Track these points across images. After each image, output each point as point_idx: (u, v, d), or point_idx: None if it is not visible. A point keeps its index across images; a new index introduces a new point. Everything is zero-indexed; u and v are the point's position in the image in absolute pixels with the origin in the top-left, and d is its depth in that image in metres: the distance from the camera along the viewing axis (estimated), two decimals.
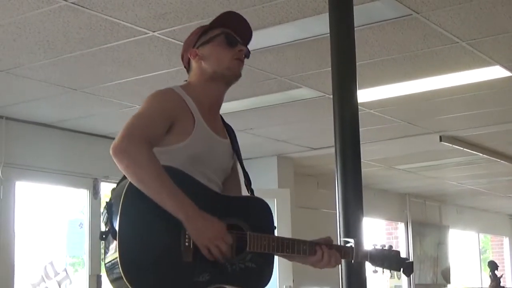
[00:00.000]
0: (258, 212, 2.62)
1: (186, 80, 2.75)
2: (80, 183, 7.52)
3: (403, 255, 2.80)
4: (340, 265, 3.43)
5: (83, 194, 7.71)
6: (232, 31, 2.73)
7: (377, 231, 13.21)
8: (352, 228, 3.44)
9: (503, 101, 7.02)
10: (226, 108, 7.41)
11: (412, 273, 2.82)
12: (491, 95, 6.76)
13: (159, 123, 2.49)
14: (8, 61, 5.43)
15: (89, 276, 7.58)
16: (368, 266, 2.79)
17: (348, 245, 2.71)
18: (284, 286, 8.76)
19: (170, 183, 2.35)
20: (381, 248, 2.76)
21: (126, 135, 2.38)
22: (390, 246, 2.78)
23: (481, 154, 9.29)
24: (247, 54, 2.76)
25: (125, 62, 5.47)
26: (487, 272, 13.10)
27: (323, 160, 9.35)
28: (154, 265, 2.33)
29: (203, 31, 2.72)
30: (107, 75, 5.80)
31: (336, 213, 3.53)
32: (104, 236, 2.39)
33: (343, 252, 2.68)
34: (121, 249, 2.31)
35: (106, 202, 2.44)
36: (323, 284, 9.71)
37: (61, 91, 6.22)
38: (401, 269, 2.79)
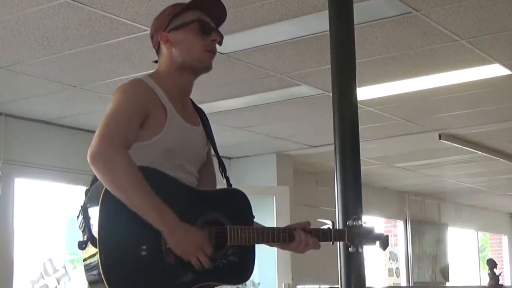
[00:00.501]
0: (236, 204, 2.57)
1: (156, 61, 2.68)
2: (79, 180, 7.50)
3: (378, 230, 2.79)
4: (338, 262, 3.44)
5: (82, 191, 7.69)
6: (206, 14, 2.62)
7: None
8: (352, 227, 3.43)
9: (502, 99, 7.03)
10: (225, 105, 7.44)
11: (387, 246, 2.80)
12: (491, 93, 6.76)
13: (133, 121, 2.43)
14: (7, 58, 5.43)
15: None
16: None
17: (325, 227, 2.69)
18: (283, 284, 8.76)
19: (150, 194, 2.30)
20: (355, 224, 2.73)
21: (102, 140, 2.33)
22: (364, 222, 2.76)
23: (480, 152, 9.30)
24: (220, 41, 2.66)
25: (125, 59, 5.47)
26: (486, 270, 13.11)
27: (322, 158, 9.36)
28: (137, 270, 2.31)
29: (176, 13, 2.60)
30: (107, 72, 5.80)
31: (335, 210, 3.53)
32: (84, 245, 2.33)
33: (322, 235, 2.65)
34: (103, 255, 2.25)
35: (81, 206, 2.39)
36: (322, 281, 9.72)
37: (60, 88, 6.22)
38: (377, 243, 2.77)
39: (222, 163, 2.76)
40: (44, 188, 8.01)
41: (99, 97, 6.45)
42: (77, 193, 7.91)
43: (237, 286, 2.56)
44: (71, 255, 8.68)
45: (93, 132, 2.42)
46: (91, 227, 2.32)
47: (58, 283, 7.73)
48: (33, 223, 8.17)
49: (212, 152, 2.77)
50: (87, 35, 4.95)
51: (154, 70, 2.67)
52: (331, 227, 2.68)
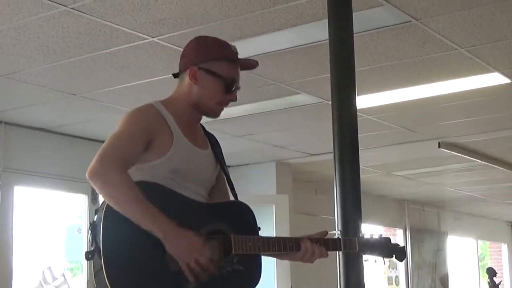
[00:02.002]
0: (241, 216, 2.63)
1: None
2: (79, 188, 7.50)
3: (394, 241, 2.82)
4: (338, 269, 3.45)
5: (82, 199, 7.70)
6: (238, 68, 2.71)
7: None
8: (350, 234, 3.43)
9: (502, 108, 7.03)
10: (225, 113, 7.39)
11: (405, 258, 2.85)
12: (490, 102, 6.76)
13: (136, 142, 2.51)
14: (7, 66, 5.43)
15: (87, 281, 7.56)
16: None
17: (335, 236, 2.75)
18: None
19: (144, 203, 2.37)
20: (370, 237, 2.78)
21: (100, 158, 2.41)
22: (380, 235, 2.79)
23: (480, 161, 9.30)
24: (239, 88, 2.76)
25: (124, 67, 5.48)
26: (485, 278, 13.10)
27: (321, 166, 9.35)
28: (140, 278, 2.36)
29: (213, 57, 2.65)
30: (106, 80, 5.80)
31: (335, 219, 3.53)
32: (90, 256, 2.40)
33: (331, 244, 2.70)
34: (106, 265, 2.33)
35: (90, 223, 2.46)
36: (322, 286, 9.70)
37: (60, 96, 6.22)
38: (393, 255, 2.81)
39: (230, 180, 2.80)
40: (44, 196, 8.00)
41: (99, 105, 6.45)
42: (77, 201, 7.90)
43: None
44: (70, 263, 8.66)
45: (93, 140, 2.47)
46: (98, 240, 2.38)
47: None
48: (32, 231, 8.16)
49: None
50: (87, 44, 4.96)
51: (169, 96, 2.73)
52: (339, 236, 2.74)
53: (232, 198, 2.81)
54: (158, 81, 5.73)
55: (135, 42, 4.93)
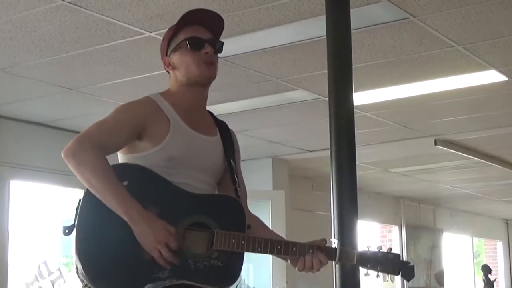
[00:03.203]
0: (228, 211, 2.56)
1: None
2: (75, 182, 7.38)
3: (403, 258, 2.65)
4: (333, 264, 3.44)
5: (78, 194, 7.69)
6: (201, 26, 2.68)
7: (371, 234, 13.22)
8: (346, 230, 3.44)
9: (498, 105, 7.04)
10: (222, 109, 7.42)
11: (413, 277, 2.69)
12: (487, 99, 6.77)
13: (119, 131, 2.50)
14: (4, 60, 5.43)
15: None
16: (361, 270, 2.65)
17: (333, 246, 2.63)
18: None
19: (115, 185, 2.37)
20: (377, 250, 2.63)
21: (77, 139, 2.43)
22: (389, 249, 2.66)
23: (476, 158, 9.31)
24: (220, 48, 2.72)
25: (122, 62, 5.47)
26: (480, 276, 13.13)
27: (318, 163, 9.36)
28: (111, 262, 2.36)
29: (170, 36, 2.69)
30: (103, 75, 5.80)
31: (331, 215, 3.53)
32: (66, 231, 2.40)
33: (326, 252, 2.59)
34: (78, 246, 2.35)
35: (79, 200, 2.46)
36: (317, 286, 9.71)
37: (57, 90, 6.21)
38: (400, 273, 2.67)
39: (233, 175, 2.73)
40: (40, 191, 8.00)
41: (96, 100, 6.45)
42: (73, 195, 7.90)
43: None
44: (66, 258, 8.66)
45: None
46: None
47: (53, 286, 7.71)
48: (28, 226, 8.15)
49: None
50: (84, 38, 4.95)
51: (167, 89, 2.75)
52: (336, 246, 2.62)
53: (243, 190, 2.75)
54: (155, 76, 5.73)
55: (132, 37, 4.92)
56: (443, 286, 13.92)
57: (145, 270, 2.37)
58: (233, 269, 2.51)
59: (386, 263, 2.64)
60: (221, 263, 2.47)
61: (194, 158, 2.57)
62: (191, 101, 2.68)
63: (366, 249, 2.64)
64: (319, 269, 2.60)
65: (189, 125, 2.60)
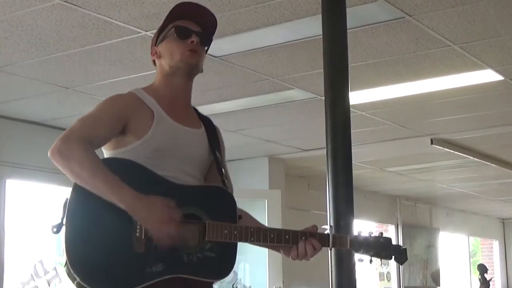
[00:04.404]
0: (219, 201, 2.55)
1: None
2: (71, 182, 7.48)
3: (394, 242, 2.65)
4: (329, 265, 3.44)
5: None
6: (192, 21, 2.68)
7: None
8: (342, 230, 3.44)
9: (494, 105, 7.04)
10: (217, 108, 7.43)
11: (406, 260, 2.66)
12: (483, 99, 6.78)
13: (102, 124, 2.49)
14: None
15: None
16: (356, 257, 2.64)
17: (326, 232, 2.62)
18: (274, 287, 8.76)
19: (106, 175, 2.33)
20: (367, 235, 2.63)
21: (61, 137, 2.41)
22: (381, 233, 2.65)
23: (472, 157, 9.32)
24: (206, 41, 2.71)
25: (117, 61, 5.47)
26: (476, 275, 13.15)
27: (314, 162, 9.36)
28: (102, 257, 2.32)
29: (160, 28, 2.71)
30: (99, 74, 5.79)
31: (327, 214, 3.53)
32: (55, 229, 2.36)
33: (319, 239, 2.59)
34: (68, 240, 2.31)
35: (65, 199, 2.43)
36: (313, 285, 9.73)
37: (53, 89, 6.21)
38: (393, 257, 2.66)
39: (220, 167, 2.71)
40: (36, 190, 7.99)
41: (92, 99, 6.44)
42: (69, 194, 7.87)
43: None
44: (62, 257, 8.65)
45: None
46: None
47: (49, 285, 7.71)
48: (24, 225, 8.15)
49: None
50: (80, 37, 4.95)
51: (151, 83, 2.74)
52: (329, 232, 2.62)
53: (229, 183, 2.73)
54: (151, 75, 5.67)
55: (128, 36, 4.92)
56: (439, 285, 13.94)
57: (138, 264, 2.34)
58: (227, 260, 2.50)
59: (378, 247, 2.63)
60: (214, 254, 2.45)
61: (179, 150, 2.55)
62: (175, 92, 2.66)
63: (357, 234, 2.64)
64: (312, 256, 2.59)
65: (172, 118, 2.58)
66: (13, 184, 7.28)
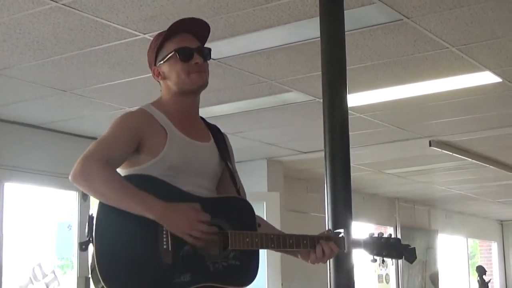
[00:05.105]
0: (239, 211, 2.63)
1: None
2: (70, 185, 7.40)
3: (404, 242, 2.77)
4: (328, 266, 3.44)
5: (72, 196, 7.68)
6: (189, 33, 2.72)
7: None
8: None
9: (492, 107, 7.05)
10: (216, 111, 7.43)
11: (415, 259, 2.79)
12: (481, 101, 6.78)
13: (120, 143, 2.52)
14: None
15: (78, 278, 7.55)
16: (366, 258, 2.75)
17: (340, 235, 2.70)
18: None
19: (131, 189, 2.40)
20: (378, 236, 2.75)
21: (80, 160, 2.43)
22: (390, 235, 2.77)
23: (470, 159, 9.32)
24: (208, 55, 2.74)
25: (116, 64, 5.46)
26: (475, 277, 13.15)
27: (313, 164, 9.36)
28: (132, 270, 2.38)
29: (158, 46, 2.72)
30: (97, 77, 5.79)
31: (326, 217, 3.53)
32: (83, 246, 2.41)
33: (335, 241, 2.68)
34: (98, 258, 2.36)
35: (89, 216, 2.46)
36: (312, 286, 9.71)
37: (51, 92, 6.20)
38: (403, 257, 2.76)
39: (232, 175, 2.78)
40: (34, 193, 7.99)
41: (90, 102, 6.44)
42: (67, 198, 7.88)
43: None
44: (61, 260, 8.65)
45: (84, 137, 2.49)
46: (92, 233, 2.41)
47: None
48: (23, 228, 8.14)
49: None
50: (78, 40, 4.94)
51: (157, 98, 2.76)
52: (344, 235, 2.70)
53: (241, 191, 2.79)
54: (149, 78, 5.67)
55: (126, 39, 4.92)
56: (438, 287, 13.93)
57: (167, 276, 2.40)
58: (251, 267, 2.59)
59: (390, 248, 2.75)
60: (238, 262, 2.53)
61: (192, 165, 2.61)
62: (184, 109, 2.71)
63: (368, 236, 2.75)
64: (330, 257, 2.68)
65: (184, 133, 2.63)
66: (11, 187, 7.27)
